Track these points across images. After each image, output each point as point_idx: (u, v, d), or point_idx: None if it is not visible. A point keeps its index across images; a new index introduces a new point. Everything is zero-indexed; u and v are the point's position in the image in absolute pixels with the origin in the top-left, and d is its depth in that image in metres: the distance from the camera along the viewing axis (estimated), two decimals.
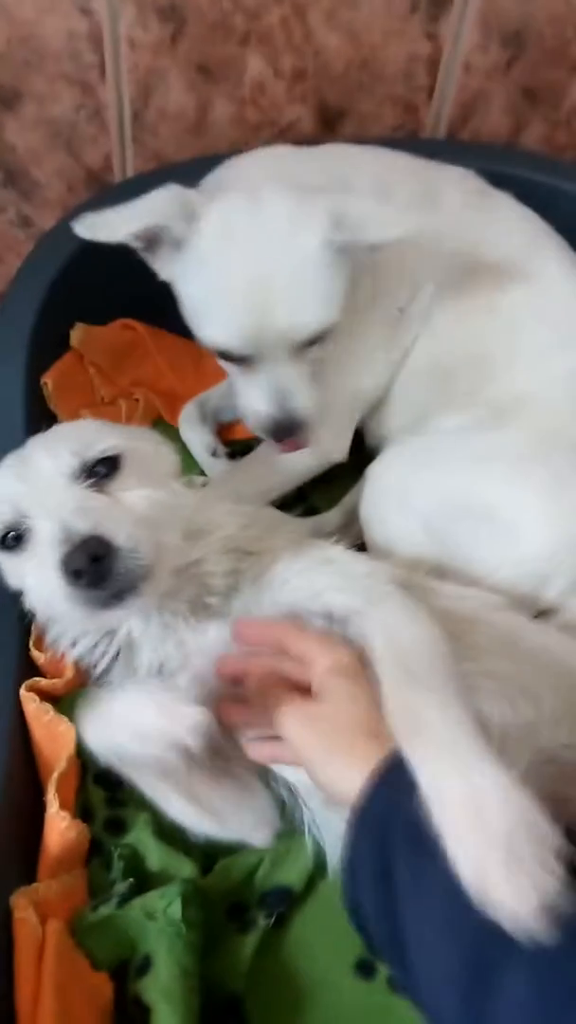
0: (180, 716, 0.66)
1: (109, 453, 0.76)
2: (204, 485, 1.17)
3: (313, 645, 0.72)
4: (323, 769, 0.66)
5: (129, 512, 0.73)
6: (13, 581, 0.79)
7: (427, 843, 0.52)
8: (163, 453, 0.87)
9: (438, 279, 1.05)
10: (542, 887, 0.49)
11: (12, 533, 0.74)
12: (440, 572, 0.97)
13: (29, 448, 0.79)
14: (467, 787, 0.54)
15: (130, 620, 0.80)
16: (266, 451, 1.15)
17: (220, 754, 0.79)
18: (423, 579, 0.91)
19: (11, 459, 0.79)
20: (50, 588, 0.70)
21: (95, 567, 0.67)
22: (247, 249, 0.91)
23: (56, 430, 0.82)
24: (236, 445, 1.29)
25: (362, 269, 1.00)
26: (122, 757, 0.72)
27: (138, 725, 0.68)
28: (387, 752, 0.61)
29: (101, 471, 0.75)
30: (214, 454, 1.26)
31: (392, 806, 0.58)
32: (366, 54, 1.23)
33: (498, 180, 1.12)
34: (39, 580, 0.72)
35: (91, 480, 0.74)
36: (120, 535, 0.68)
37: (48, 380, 1.12)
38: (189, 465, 1.25)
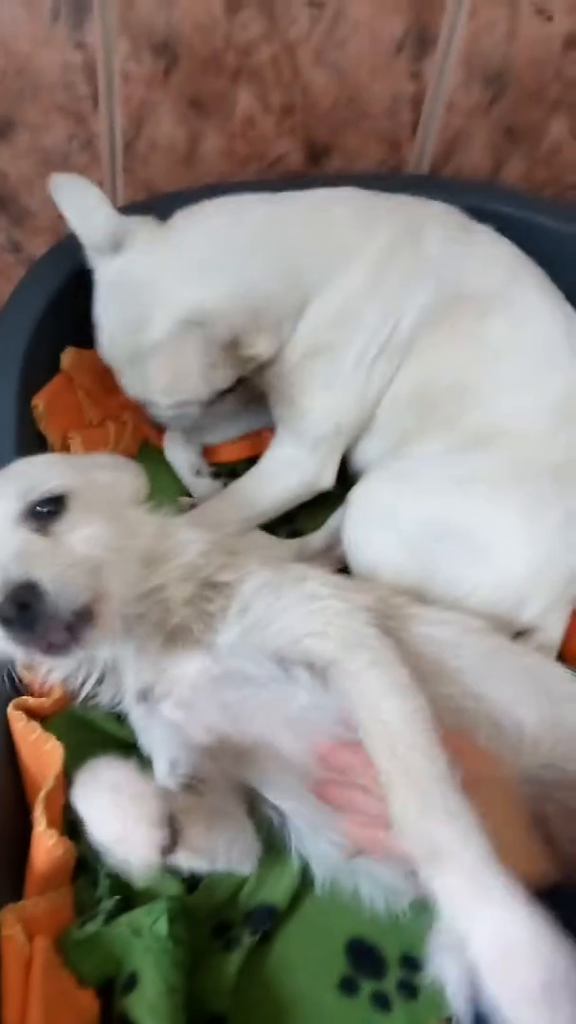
0: (138, 836, 0.65)
1: (55, 492, 0.77)
2: (192, 507, 1.19)
3: None
4: None
5: (68, 554, 0.73)
6: None
7: None
8: (122, 481, 0.88)
9: (421, 311, 1.08)
10: None
11: None
12: (421, 593, 0.99)
13: None
14: (501, 938, 0.55)
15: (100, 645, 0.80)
16: (253, 476, 1.18)
17: (210, 793, 0.80)
18: (405, 604, 0.93)
19: None
20: None
21: (23, 614, 0.68)
22: None
23: (8, 470, 0.83)
24: (221, 467, 1.31)
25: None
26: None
27: (101, 835, 0.67)
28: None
29: (47, 510, 0.76)
30: (198, 474, 1.28)
31: None
32: (352, 92, 1.27)
33: (479, 215, 1.16)
34: None
35: (36, 522, 0.75)
36: (48, 580, 0.69)
37: (39, 402, 1.13)
38: (176, 486, 1.27)
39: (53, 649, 0.71)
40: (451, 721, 0.76)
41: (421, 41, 1.23)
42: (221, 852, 0.79)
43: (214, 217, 1.08)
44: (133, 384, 1.11)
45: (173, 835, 0.66)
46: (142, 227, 1.07)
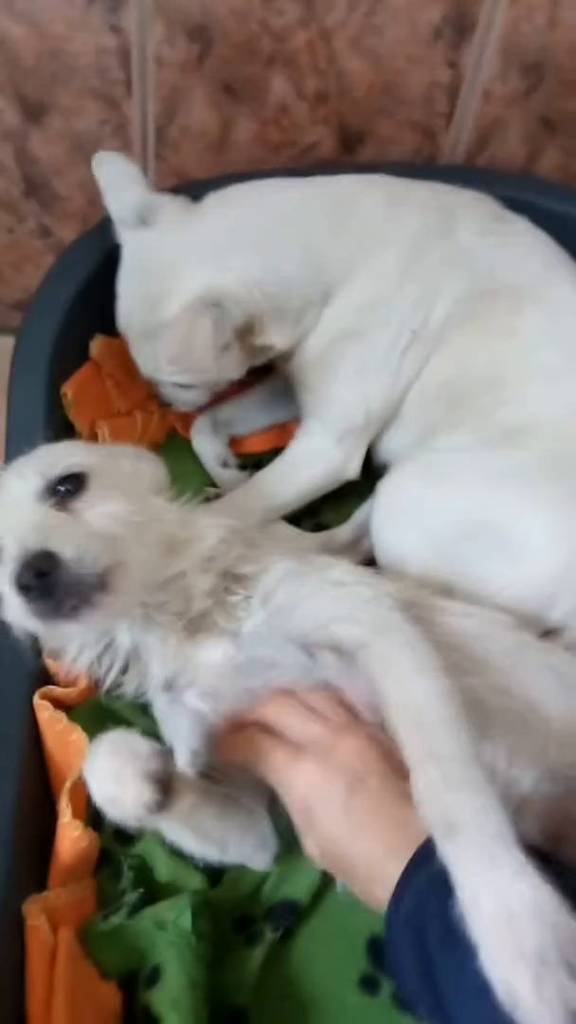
0: (132, 795, 0.68)
1: (73, 471, 0.78)
2: (217, 496, 1.19)
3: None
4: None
5: (85, 526, 0.74)
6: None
7: (461, 940, 0.54)
8: (143, 470, 0.88)
9: (453, 301, 1.07)
10: (570, 1002, 0.50)
11: None
12: (448, 589, 0.98)
13: (6, 472, 0.82)
14: (501, 902, 0.55)
15: (121, 630, 0.81)
16: (278, 467, 1.17)
17: (226, 781, 0.80)
18: (430, 597, 0.92)
19: None
20: (12, 603, 0.72)
21: (41, 581, 0.68)
22: None
23: (34, 452, 0.84)
24: (248, 458, 1.31)
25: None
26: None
27: (96, 792, 0.70)
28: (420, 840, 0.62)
29: (66, 489, 0.76)
30: (225, 465, 1.28)
31: (426, 899, 0.60)
32: (388, 79, 1.25)
33: (513, 206, 1.14)
34: (6, 596, 0.74)
35: (55, 499, 0.76)
36: (67, 549, 0.70)
37: (68, 390, 1.13)
38: (201, 476, 1.26)
39: (71, 616, 0.71)
40: (473, 713, 0.75)
41: (459, 28, 1.21)
42: (233, 841, 0.79)
43: (240, 200, 1.08)
44: (146, 360, 1.11)
45: (164, 795, 0.68)
46: (171, 205, 1.07)
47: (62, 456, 0.80)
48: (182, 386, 1.14)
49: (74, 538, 0.71)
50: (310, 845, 0.73)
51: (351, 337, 1.09)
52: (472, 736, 0.67)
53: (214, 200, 1.08)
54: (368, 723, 0.76)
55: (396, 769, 0.68)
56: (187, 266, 1.04)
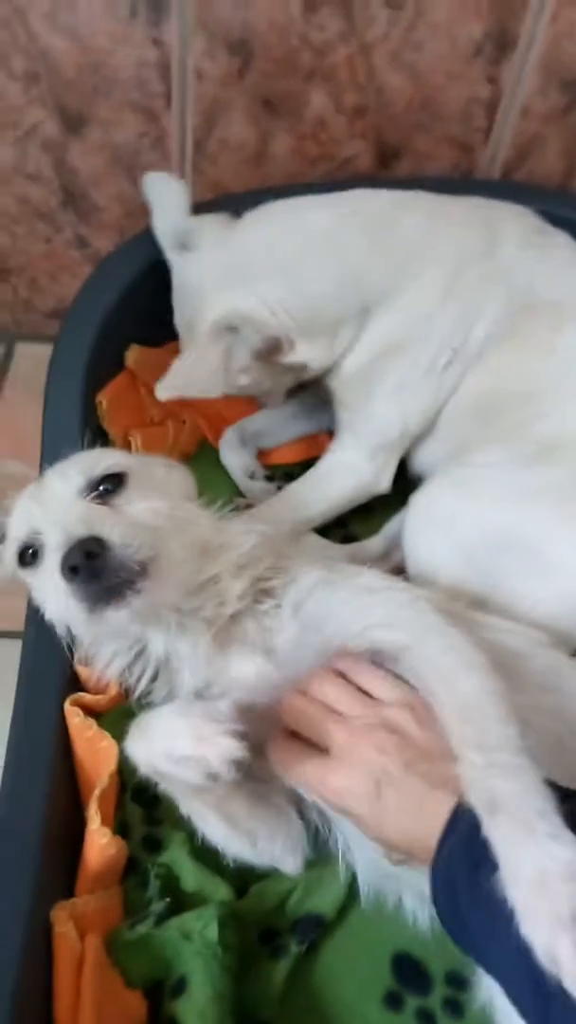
0: (214, 747, 0.68)
1: (114, 470, 0.80)
2: (247, 508, 1.19)
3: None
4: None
5: (128, 518, 0.76)
6: (37, 597, 0.82)
7: (497, 903, 0.56)
8: (175, 477, 0.90)
9: (494, 318, 1.07)
10: None
11: (30, 550, 0.79)
12: (480, 603, 0.97)
13: (47, 474, 0.84)
14: (539, 869, 0.56)
15: (154, 636, 0.81)
16: (309, 479, 1.17)
17: (258, 779, 0.80)
18: (466, 611, 0.92)
19: (31, 486, 0.84)
20: (56, 590, 0.73)
21: (90, 563, 0.70)
22: None
23: (71, 458, 0.86)
24: (276, 469, 1.31)
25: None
26: (160, 776, 0.74)
27: (173, 750, 0.69)
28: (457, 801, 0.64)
29: (107, 487, 0.79)
30: (252, 477, 1.28)
31: (456, 865, 0.61)
32: (427, 94, 1.26)
33: (551, 222, 1.14)
34: (51, 590, 0.76)
35: (96, 495, 0.78)
36: (114, 534, 0.72)
37: (103, 398, 1.14)
38: (231, 486, 1.26)
39: (116, 601, 0.72)
40: None
41: (500, 45, 1.21)
42: (262, 837, 0.79)
43: (272, 220, 1.08)
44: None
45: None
46: (208, 228, 1.09)
47: (102, 457, 0.82)
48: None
49: (119, 526, 0.73)
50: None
51: (392, 354, 1.09)
52: (520, 729, 0.67)
53: (248, 220, 1.09)
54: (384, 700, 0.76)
55: (418, 750, 0.70)
56: (213, 291, 1.05)
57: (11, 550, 0.81)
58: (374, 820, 0.70)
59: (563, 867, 0.55)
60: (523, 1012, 0.57)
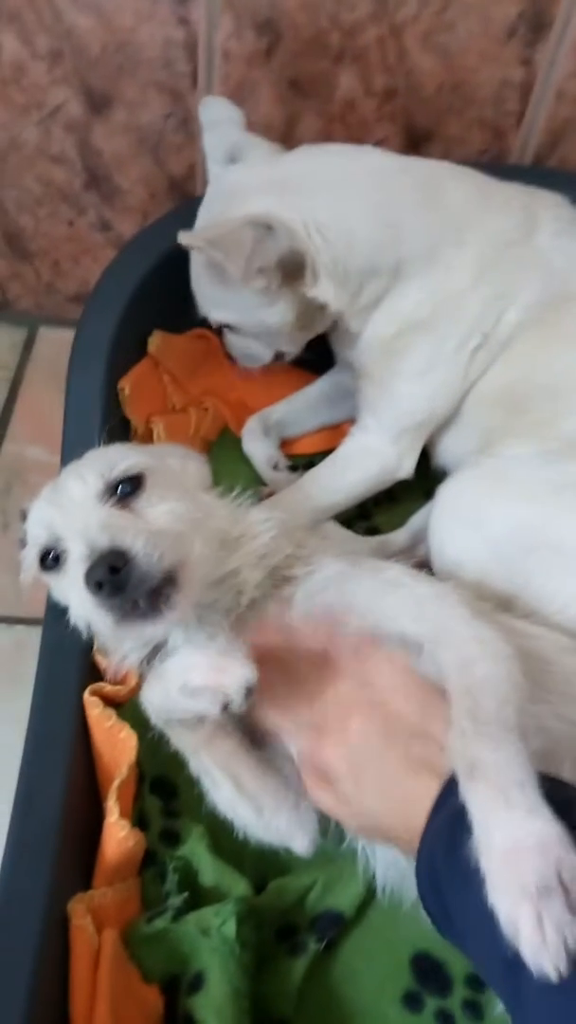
0: (229, 671, 0.68)
1: (131, 472, 0.79)
2: (269, 495, 1.18)
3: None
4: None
5: (150, 524, 0.75)
6: (61, 597, 0.81)
7: (473, 876, 0.56)
8: (191, 467, 0.89)
9: (526, 306, 1.04)
10: (568, 942, 0.51)
11: (51, 554, 0.78)
12: (506, 602, 0.95)
13: (63, 475, 0.83)
14: (512, 840, 0.56)
15: (175, 630, 0.80)
16: (329, 464, 1.15)
17: (263, 747, 0.80)
18: (492, 613, 0.90)
19: (48, 487, 0.83)
20: (83, 603, 0.73)
21: (114, 577, 0.69)
22: None
23: (87, 456, 0.85)
24: (299, 459, 1.29)
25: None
26: (172, 712, 0.75)
27: (190, 681, 0.70)
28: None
29: (125, 489, 0.78)
30: (276, 467, 1.26)
31: (437, 837, 0.62)
32: (459, 77, 1.23)
33: None
34: (75, 597, 0.75)
35: (115, 499, 0.77)
36: (137, 544, 0.71)
37: (125, 385, 1.13)
38: (255, 474, 1.25)
39: (141, 613, 0.72)
40: (534, 740, 0.73)
41: (534, 26, 1.18)
42: (268, 806, 0.78)
43: (327, 151, 1.07)
44: (201, 290, 1.10)
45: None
46: (261, 147, 1.08)
47: (119, 457, 0.81)
48: (241, 334, 1.13)
49: (142, 534, 0.72)
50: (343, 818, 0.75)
51: (421, 329, 1.07)
52: (524, 720, 0.66)
53: (303, 148, 1.08)
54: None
55: (404, 727, 0.70)
56: (255, 194, 1.02)
57: (32, 554, 0.80)
58: (354, 796, 0.70)
59: (535, 840, 0.55)
60: (495, 986, 0.58)
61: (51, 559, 0.78)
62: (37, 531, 0.79)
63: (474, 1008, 0.85)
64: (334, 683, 0.76)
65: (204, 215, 1.09)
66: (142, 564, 0.70)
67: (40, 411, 1.44)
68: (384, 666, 0.75)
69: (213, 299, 1.10)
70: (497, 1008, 0.82)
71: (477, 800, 0.59)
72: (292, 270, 1.01)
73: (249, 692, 0.68)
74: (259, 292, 1.03)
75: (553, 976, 0.51)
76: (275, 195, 1.01)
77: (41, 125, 1.29)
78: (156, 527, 0.75)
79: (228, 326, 1.14)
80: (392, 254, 1.04)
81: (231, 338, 1.18)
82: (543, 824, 0.56)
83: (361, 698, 0.73)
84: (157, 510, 0.77)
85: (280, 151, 1.08)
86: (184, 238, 0.99)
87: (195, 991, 0.77)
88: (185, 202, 1.27)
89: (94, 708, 0.89)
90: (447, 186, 1.06)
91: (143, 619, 0.72)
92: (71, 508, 0.77)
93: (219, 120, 1.09)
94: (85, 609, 0.73)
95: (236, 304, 1.07)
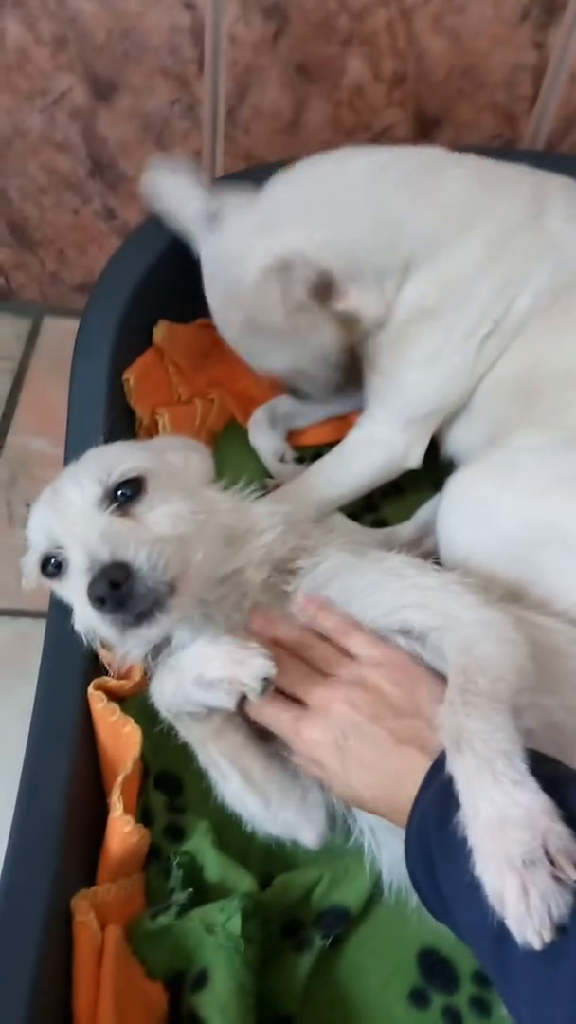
0: (247, 663, 0.70)
1: (130, 475, 0.78)
2: (276, 487, 1.16)
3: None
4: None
5: (151, 532, 0.74)
6: (64, 598, 0.81)
7: (458, 847, 0.57)
8: (193, 461, 0.88)
9: (536, 292, 1.03)
10: (552, 912, 0.52)
11: (52, 560, 0.78)
12: (516, 596, 0.94)
13: (61, 479, 0.81)
14: (498, 812, 0.56)
15: (179, 628, 0.80)
16: (336, 453, 1.14)
17: (271, 741, 0.80)
18: (501, 604, 0.89)
19: (47, 491, 0.82)
20: (83, 609, 0.73)
21: (115, 593, 0.69)
22: None
23: (85, 458, 0.84)
24: (306, 451, 1.28)
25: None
26: (184, 705, 0.76)
27: (205, 673, 0.71)
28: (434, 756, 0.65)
29: (125, 494, 0.77)
30: (282, 459, 1.25)
31: (428, 810, 0.62)
32: (470, 61, 1.21)
33: None
34: (77, 604, 0.75)
35: (115, 504, 0.76)
36: (139, 557, 0.70)
37: (130, 376, 1.12)
38: (262, 466, 1.24)
39: (141, 623, 0.72)
40: (542, 734, 0.72)
41: (548, 8, 1.16)
42: (275, 800, 0.78)
43: (308, 170, 1.05)
44: (250, 357, 1.10)
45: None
46: (235, 197, 1.05)
47: (117, 461, 0.80)
48: (300, 375, 1.12)
49: (144, 545, 0.71)
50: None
51: (428, 318, 1.05)
52: (519, 699, 0.66)
53: (277, 178, 1.06)
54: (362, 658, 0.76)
55: (389, 706, 0.71)
56: (256, 242, 1.01)
57: (33, 560, 0.80)
58: (342, 772, 0.71)
59: (521, 813, 0.56)
60: (481, 958, 0.59)
61: (52, 565, 0.78)
62: (38, 537, 0.79)
63: (481, 1005, 0.84)
64: (321, 664, 0.77)
65: (217, 294, 1.08)
66: (145, 578, 0.70)
67: (45, 402, 1.43)
68: (371, 648, 0.76)
69: (263, 352, 1.09)
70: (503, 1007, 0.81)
71: (463, 771, 0.60)
72: (322, 290, 1.01)
73: (267, 683, 0.70)
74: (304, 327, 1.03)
75: (536, 944, 0.51)
76: (274, 231, 1.01)
77: (45, 112, 1.28)
78: (157, 533, 0.74)
79: (286, 373, 1.13)
80: (396, 253, 1.03)
81: (295, 382, 1.16)
82: (529, 795, 0.57)
83: (349, 677, 0.74)
84: (158, 513, 0.77)
85: (252, 190, 1.06)
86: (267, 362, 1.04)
87: (199, 988, 0.77)
88: None
89: (98, 702, 0.88)
90: (443, 173, 1.04)
91: (139, 627, 0.72)
92: (71, 515, 0.76)
93: (177, 192, 1.09)
94: (87, 617, 0.73)
95: (286, 345, 1.07)
